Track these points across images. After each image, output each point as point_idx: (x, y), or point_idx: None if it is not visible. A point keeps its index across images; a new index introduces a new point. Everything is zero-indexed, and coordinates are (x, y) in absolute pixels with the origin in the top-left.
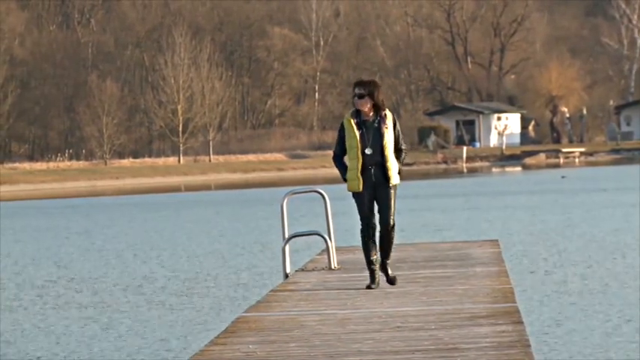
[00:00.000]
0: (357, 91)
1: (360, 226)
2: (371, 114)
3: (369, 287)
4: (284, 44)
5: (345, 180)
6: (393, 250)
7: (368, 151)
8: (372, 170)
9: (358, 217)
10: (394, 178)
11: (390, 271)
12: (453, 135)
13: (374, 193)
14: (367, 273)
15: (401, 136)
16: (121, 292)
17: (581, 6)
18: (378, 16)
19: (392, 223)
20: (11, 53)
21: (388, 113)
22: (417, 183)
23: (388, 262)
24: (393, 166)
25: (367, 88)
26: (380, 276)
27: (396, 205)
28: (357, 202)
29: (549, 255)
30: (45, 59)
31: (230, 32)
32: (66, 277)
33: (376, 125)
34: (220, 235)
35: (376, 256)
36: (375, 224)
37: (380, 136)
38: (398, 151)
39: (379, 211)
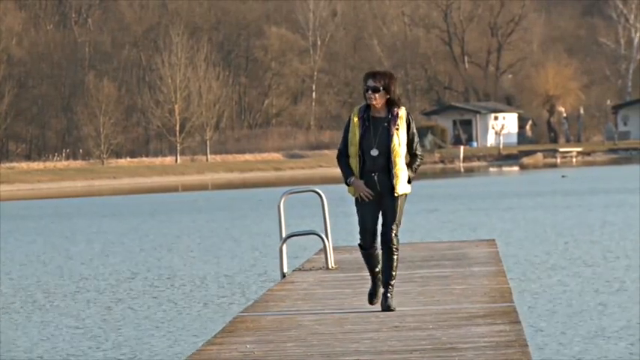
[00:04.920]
0: (370, 83)
1: (359, 239)
2: (383, 110)
3: (371, 302)
4: (281, 44)
5: (347, 183)
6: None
7: (373, 153)
8: (377, 177)
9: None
10: (400, 188)
11: (390, 296)
12: (450, 135)
13: (379, 203)
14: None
15: (416, 139)
16: (117, 292)
17: (578, 6)
18: (375, 15)
19: (395, 240)
20: (8, 53)
21: (402, 112)
22: (413, 183)
23: (392, 283)
24: (400, 173)
25: (382, 81)
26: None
27: (401, 217)
28: (358, 210)
29: (547, 254)
30: (42, 59)
31: (227, 32)
32: (63, 277)
33: (386, 124)
34: (217, 235)
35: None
36: (376, 239)
37: (388, 137)
38: (412, 156)
39: (383, 225)
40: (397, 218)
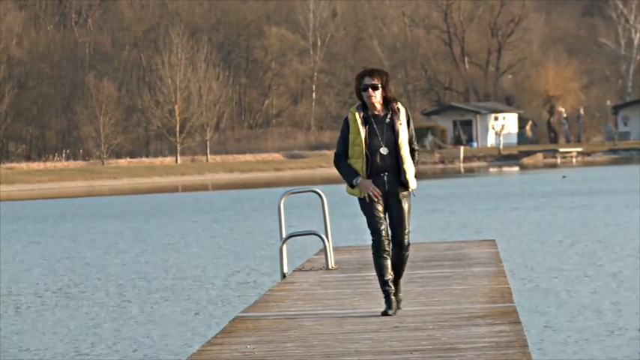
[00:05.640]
0: (367, 81)
1: (372, 241)
2: (381, 108)
3: (384, 313)
4: (281, 44)
5: (351, 185)
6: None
7: (383, 151)
8: (386, 177)
9: (367, 227)
10: (412, 183)
11: (398, 291)
12: (450, 135)
13: (386, 202)
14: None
15: (414, 135)
16: (118, 292)
17: (578, 6)
18: (375, 16)
19: (407, 240)
20: (9, 53)
21: (401, 107)
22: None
23: (400, 281)
24: (410, 169)
25: (380, 78)
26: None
27: (410, 216)
28: (365, 211)
29: (547, 254)
30: (42, 59)
31: (227, 32)
32: (63, 277)
33: (388, 121)
34: (218, 235)
35: (392, 277)
36: (389, 238)
37: (393, 134)
38: (411, 151)
39: (392, 226)
40: (407, 217)
